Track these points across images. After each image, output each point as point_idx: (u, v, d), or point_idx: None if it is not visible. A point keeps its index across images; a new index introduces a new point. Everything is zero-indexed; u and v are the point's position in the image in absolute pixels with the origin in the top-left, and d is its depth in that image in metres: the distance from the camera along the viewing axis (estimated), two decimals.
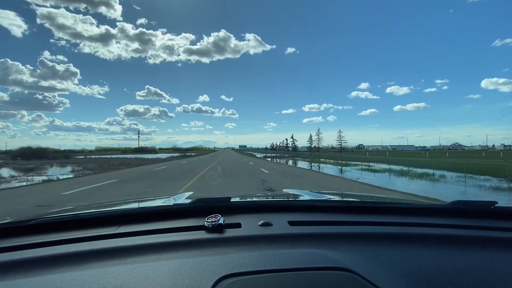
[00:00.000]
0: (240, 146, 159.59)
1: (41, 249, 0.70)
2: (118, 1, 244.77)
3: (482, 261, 0.67)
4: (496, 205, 0.94)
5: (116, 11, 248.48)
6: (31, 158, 34.78)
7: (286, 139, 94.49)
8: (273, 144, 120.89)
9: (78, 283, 0.55)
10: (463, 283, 0.58)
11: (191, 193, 1.54)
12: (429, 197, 6.72)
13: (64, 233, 0.81)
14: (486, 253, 0.71)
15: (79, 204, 1.31)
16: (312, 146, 69.09)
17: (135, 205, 1.20)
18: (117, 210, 1.06)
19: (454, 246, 0.74)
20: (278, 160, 33.62)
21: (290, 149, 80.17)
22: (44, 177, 13.11)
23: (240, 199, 1.22)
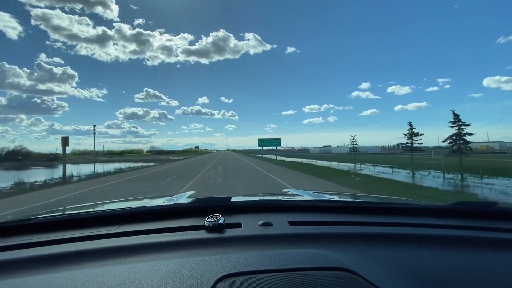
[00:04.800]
0: (260, 141, 44.57)
1: (42, 248, 0.70)
2: (114, 1, 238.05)
3: (482, 262, 0.67)
4: (496, 206, 0.94)
5: (113, 11, 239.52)
6: None
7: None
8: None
9: (78, 282, 0.55)
10: (464, 284, 0.58)
11: (191, 192, 1.55)
12: None
13: (65, 232, 0.81)
14: (486, 254, 0.71)
15: (80, 204, 1.32)
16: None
17: (135, 204, 1.21)
18: (118, 209, 1.06)
19: (455, 247, 0.74)
20: None
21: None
22: None
23: (240, 199, 1.22)
